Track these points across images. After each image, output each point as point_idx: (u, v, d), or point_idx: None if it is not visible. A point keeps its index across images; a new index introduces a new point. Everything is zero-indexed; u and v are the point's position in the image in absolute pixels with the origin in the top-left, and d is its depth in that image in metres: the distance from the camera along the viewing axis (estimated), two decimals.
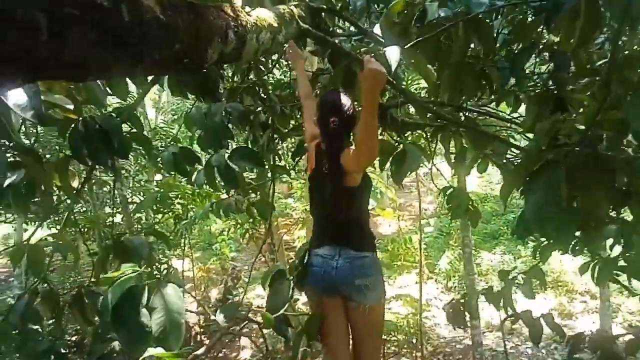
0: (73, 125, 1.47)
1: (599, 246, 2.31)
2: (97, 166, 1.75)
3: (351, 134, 1.91)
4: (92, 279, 1.99)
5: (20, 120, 1.61)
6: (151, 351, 1.15)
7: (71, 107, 1.41)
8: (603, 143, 1.32)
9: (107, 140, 1.46)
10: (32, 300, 1.82)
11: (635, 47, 1.55)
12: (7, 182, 1.54)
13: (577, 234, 2.38)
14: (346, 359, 1.99)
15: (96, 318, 1.87)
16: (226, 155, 2.08)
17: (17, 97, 1.07)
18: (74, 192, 1.55)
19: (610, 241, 2.22)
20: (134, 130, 1.82)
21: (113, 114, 1.66)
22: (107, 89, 1.71)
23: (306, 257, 1.98)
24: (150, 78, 1.74)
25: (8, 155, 1.56)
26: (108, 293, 1.27)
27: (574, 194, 1.10)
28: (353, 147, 1.85)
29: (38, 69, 0.48)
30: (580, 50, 1.60)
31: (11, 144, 1.56)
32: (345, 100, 1.86)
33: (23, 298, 1.83)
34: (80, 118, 1.49)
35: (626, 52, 1.50)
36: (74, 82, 1.28)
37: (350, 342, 2.02)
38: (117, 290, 1.21)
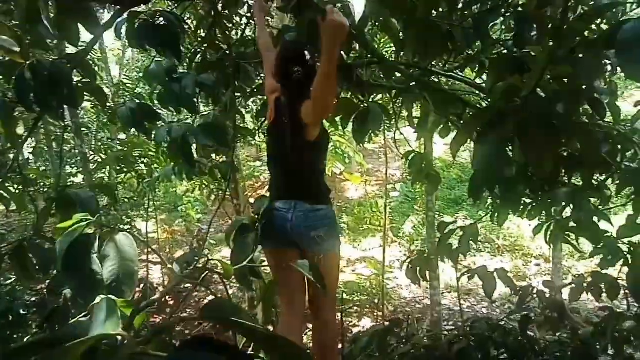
0: (19, 70, 1.38)
1: (550, 210, 2.41)
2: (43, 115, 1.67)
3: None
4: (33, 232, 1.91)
5: None
6: (102, 298, 1.13)
7: (17, 49, 1.33)
8: (559, 106, 1.35)
9: (56, 87, 1.38)
10: None
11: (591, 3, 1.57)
12: None
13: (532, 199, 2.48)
14: (301, 308, 2.03)
15: (48, 271, 1.81)
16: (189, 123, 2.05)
17: None
18: (19, 140, 1.48)
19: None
20: (87, 79, 1.73)
21: (63, 60, 1.57)
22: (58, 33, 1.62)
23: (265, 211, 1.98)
24: (103, 22, 1.65)
25: None
26: (58, 242, 1.24)
27: (523, 152, 1.12)
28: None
29: None
30: (542, 12, 1.61)
31: None
32: (308, 51, 1.83)
33: None
34: (27, 62, 1.40)
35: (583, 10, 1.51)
36: None
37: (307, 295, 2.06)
38: (67, 238, 1.18)
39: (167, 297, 7.35)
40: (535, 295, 2.61)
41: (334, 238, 1.96)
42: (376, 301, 7.15)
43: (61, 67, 1.43)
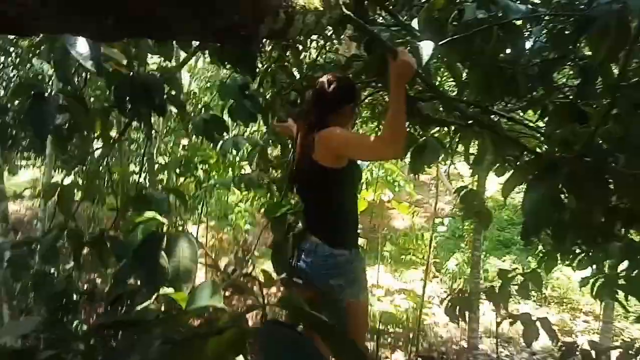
0: (120, 79, 1.58)
1: (602, 263, 2.35)
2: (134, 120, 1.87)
3: (335, 112, 1.87)
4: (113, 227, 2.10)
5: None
6: (164, 290, 1.27)
7: (124, 61, 1.52)
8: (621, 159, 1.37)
9: (149, 97, 1.57)
10: (58, 236, 1.91)
11: None
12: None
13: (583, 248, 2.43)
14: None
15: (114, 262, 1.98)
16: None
17: (80, 47, 1.17)
18: (111, 141, 1.67)
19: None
20: (173, 92, 1.92)
21: (156, 74, 1.76)
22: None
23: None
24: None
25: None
26: (132, 234, 1.39)
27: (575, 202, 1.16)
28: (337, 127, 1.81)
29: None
30: (609, 65, 1.64)
31: (60, 88, 1.69)
32: (334, 79, 1.86)
33: (51, 233, 1.94)
34: (130, 73, 1.60)
35: None
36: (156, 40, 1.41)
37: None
38: (141, 232, 1.33)
39: None
40: (578, 354, 2.52)
41: (356, 285, 1.85)
42: (411, 336, 7.01)
43: (155, 79, 1.62)
